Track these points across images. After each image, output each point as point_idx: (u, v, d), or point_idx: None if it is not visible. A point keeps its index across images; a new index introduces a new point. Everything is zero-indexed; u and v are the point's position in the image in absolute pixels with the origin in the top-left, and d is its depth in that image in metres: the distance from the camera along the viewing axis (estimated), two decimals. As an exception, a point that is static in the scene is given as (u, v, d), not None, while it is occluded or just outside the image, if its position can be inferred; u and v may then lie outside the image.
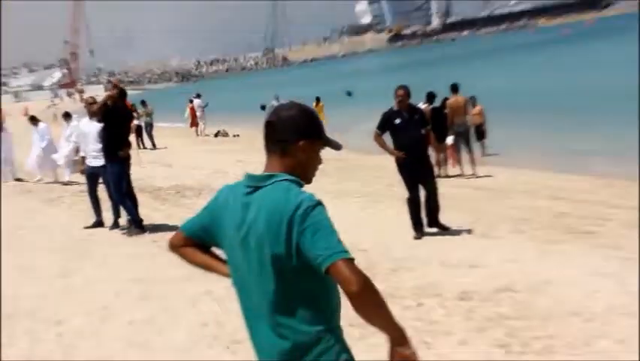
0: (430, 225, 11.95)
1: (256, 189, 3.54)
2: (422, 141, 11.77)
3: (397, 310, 8.87)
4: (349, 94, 42.41)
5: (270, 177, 3.53)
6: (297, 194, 3.45)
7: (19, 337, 8.90)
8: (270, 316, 3.55)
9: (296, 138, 3.58)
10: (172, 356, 7.84)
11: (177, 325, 8.89)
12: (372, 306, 3.29)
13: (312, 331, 3.48)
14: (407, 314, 8.64)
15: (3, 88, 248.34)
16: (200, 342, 8.22)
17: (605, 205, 14.80)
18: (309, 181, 3.70)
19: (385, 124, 11.80)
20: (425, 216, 11.98)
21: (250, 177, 3.63)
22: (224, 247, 3.77)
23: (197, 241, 3.95)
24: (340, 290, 3.35)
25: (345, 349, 3.59)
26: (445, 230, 12.07)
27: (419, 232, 11.89)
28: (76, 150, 22.02)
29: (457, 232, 12.64)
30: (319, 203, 3.44)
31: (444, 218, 12.23)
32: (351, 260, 3.26)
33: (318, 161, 3.77)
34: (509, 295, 9.17)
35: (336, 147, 3.77)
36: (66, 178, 22.80)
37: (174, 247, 4.08)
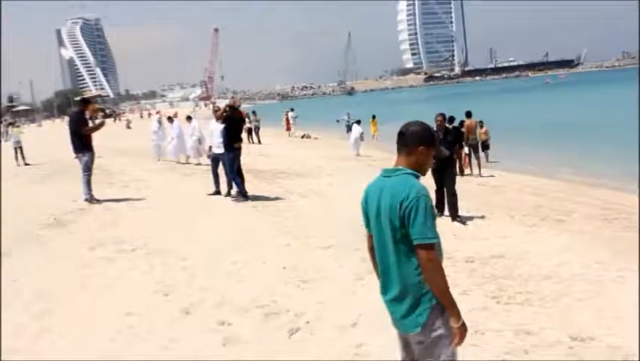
0: (453, 219, 11.67)
1: (388, 177, 3.75)
2: (451, 155, 11.65)
3: (420, 267, 8.77)
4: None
5: (398, 170, 3.74)
6: (413, 184, 3.63)
7: (157, 267, 8.87)
8: (392, 265, 3.72)
9: (417, 144, 3.78)
10: (260, 290, 7.67)
11: (265, 266, 8.76)
12: (432, 282, 3.59)
13: (417, 274, 3.64)
14: (426, 270, 8.44)
15: (162, 99, 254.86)
16: (280, 280, 8.08)
17: (570, 202, 14.59)
18: (423, 174, 3.82)
19: None
20: (448, 211, 11.86)
21: (385, 169, 3.83)
22: (370, 220, 3.90)
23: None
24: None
25: None
26: (462, 223, 11.65)
27: (441, 212, 11.79)
28: (199, 142, 22.50)
29: (466, 215, 12.36)
30: (425, 195, 3.60)
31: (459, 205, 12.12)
32: (429, 245, 3.54)
33: (430, 161, 3.89)
34: (501, 261, 8.96)
35: (443, 153, 4.03)
36: (195, 161, 22.91)
37: (370, 249, 4.09)
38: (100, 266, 9.08)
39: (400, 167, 3.76)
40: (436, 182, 11.81)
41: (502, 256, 9.18)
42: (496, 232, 11.14)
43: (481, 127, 22.15)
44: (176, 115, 25.07)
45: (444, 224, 11.24)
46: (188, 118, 25.18)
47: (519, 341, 5.99)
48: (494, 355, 5.71)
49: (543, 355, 5.74)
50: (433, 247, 3.57)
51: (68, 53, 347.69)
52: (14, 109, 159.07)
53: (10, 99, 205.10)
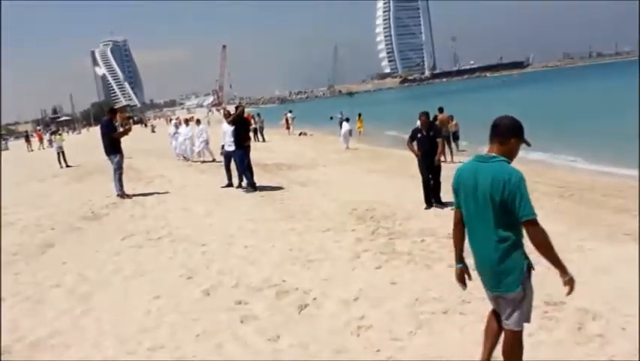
0: (436, 202, 11.16)
1: (484, 162, 3.73)
2: (434, 148, 11.25)
3: (408, 244, 8.40)
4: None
5: (493, 157, 3.71)
6: (512, 170, 3.62)
7: (180, 252, 8.54)
8: (490, 236, 3.68)
9: (509, 136, 3.73)
10: (271, 270, 7.33)
11: (273, 249, 8.39)
12: (542, 248, 3.60)
13: (509, 244, 3.66)
14: (415, 246, 8.16)
15: (181, 106, 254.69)
16: (287, 261, 7.72)
17: (531, 181, 14.00)
18: (511, 162, 3.72)
19: (413, 136, 11.44)
20: (432, 196, 11.24)
21: (479, 155, 3.84)
22: (461, 199, 3.88)
23: (460, 211, 3.96)
24: None
25: (527, 256, 3.77)
26: (443, 206, 11.00)
27: (428, 204, 11.14)
28: (207, 142, 22.48)
29: (443, 194, 11.95)
30: (523, 178, 3.57)
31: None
32: (535, 220, 3.55)
33: (518, 152, 3.81)
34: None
35: (529, 144, 3.81)
36: (209, 159, 22.52)
37: (456, 223, 4.04)
38: (130, 253, 8.79)
39: (494, 155, 3.73)
40: (423, 174, 11.32)
41: None
42: None
43: (452, 120, 21.79)
44: (192, 119, 24.77)
45: (423, 204, 10.98)
46: (197, 121, 24.89)
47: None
48: (481, 322, 5.38)
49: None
50: (537, 221, 3.56)
51: (101, 70, 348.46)
52: (58, 119, 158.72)
53: (54, 111, 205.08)
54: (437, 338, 5.16)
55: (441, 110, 21.54)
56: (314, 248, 8.27)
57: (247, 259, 7.94)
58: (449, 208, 11.05)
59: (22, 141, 71.39)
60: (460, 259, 4.10)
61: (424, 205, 11.11)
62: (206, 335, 5.46)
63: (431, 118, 20.53)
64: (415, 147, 11.46)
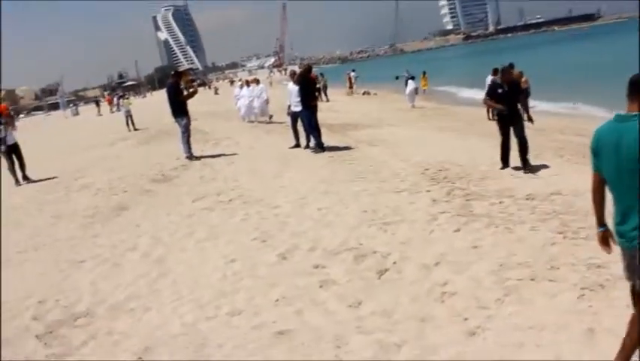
0: (525, 167, 10.14)
1: (624, 122, 3.38)
2: (515, 105, 10.23)
3: (486, 205, 7.99)
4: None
5: (634, 115, 3.33)
6: None
7: (252, 215, 8.41)
8: (633, 197, 3.36)
9: None
10: (346, 233, 7.09)
11: (347, 211, 8.14)
12: None
13: None
14: (494, 208, 7.72)
15: (242, 68, 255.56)
16: (363, 223, 7.46)
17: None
18: None
19: (492, 92, 10.43)
20: (521, 159, 10.23)
21: (618, 115, 3.47)
22: (602, 160, 3.54)
23: (600, 174, 3.62)
24: None
25: None
26: (532, 171, 10.05)
27: (505, 164, 10.31)
28: (267, 102, 22.50)
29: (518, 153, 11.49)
30: None
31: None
32: None
33: None
34: (559, 197, 8.01)
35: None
36: (267, 118, 22.44)
37: (596, 186, 3.69)
38: (202, 216, 8.74)
39: (635, 113, 3.35)
40: (502, 132, 10.39)
41: (559, 193, 8.21)
42: (549, 170, 10.07)
43: (522, 76, 20.85)
44: (254, 81, 24.60)
45: (500, 165, 10.41)
46: (257, 81, 24.69)
47: (594, 275, 5.25)
48: (572, 290, 5.02)
49: (618, 287, 5.02)
50: None
51: (163, 35, 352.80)
52: (124, 84, 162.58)
53: (120, 76, 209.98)
54: (527, 306, 4.82)
55: (511, 65, 20.45)
56: (389, 210, 7.97)
57: (321, 222, 7.72)
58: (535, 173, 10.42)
59: (91, 105, 73.75)
60: (601, 222, 3.78)
61: (500, 165, 10.39)
62: (285, 300, 5.31)
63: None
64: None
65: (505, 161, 10.43)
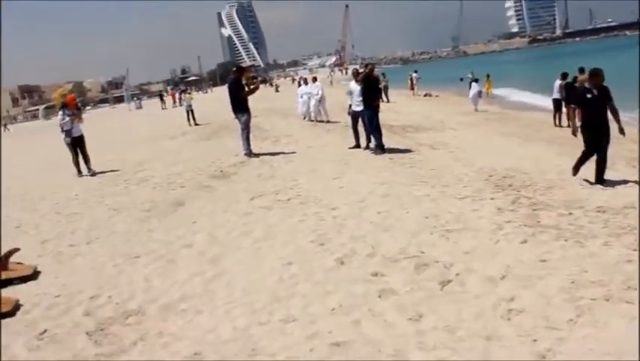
0: (599, 182, 9.21)
1: None
2: (605, 114, 9.10)
3: (554, 216, 7.54)
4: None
5: None
6: None
7: (310, 216, 8.23)
8: None
9: None
10: (407, 240, 6.81)
11: (408, 216, 7.85)
12: None
13: None
14: (562, 220, 7.29)
15: (303, 66, 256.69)
16: (424, 230, 7.16)
17: None
18: None
19: (580, 98, 9.36)
20: (596, 175, 9.27)
21: None
22: None
23: None
24: None
25: None
26: (605, 186, 9.14)
27: (575, 172, 9.47)
28: (321, 100, 22.08)
29: (587, 163, 10.93)
30: None
31: (575, 155, 10.44)
32: None
33: None
34: (634, 211, 7.46)
35: None
36: (324, 118, 22.07)
37: None
38: (260, 214, 8.61)
39: None
40: (588, 143, 9.32)
41: (633, 207, 7.66)
42: (622, 181, 9.40)
43: (592, 81, 20.03)
44: (312, 79, 24.43)
45: (568, 173, 9.84)
46: (314, 79, 24.44)
47: (676, 296, 4.84)
48: (652, 314, 4.63)
49: None
50: None
51: (227, 31, 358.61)
52: (186, 79, 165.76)
53: (183, 71, 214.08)
54: (602, 330, 4.43)
55: (582, 70, 19.59)
56: (451, 217, 7.65)
57: (381, 226, 7.46)
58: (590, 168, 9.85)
59: (154, 100, 75.48)
60: None
61: (569, 173, 9.65)
62: (342, 309, 5.07)
63: (570, 79, 19.27)
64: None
65: (577, 169, 9.63)
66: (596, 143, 9.23)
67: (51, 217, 10.00)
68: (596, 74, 9.23)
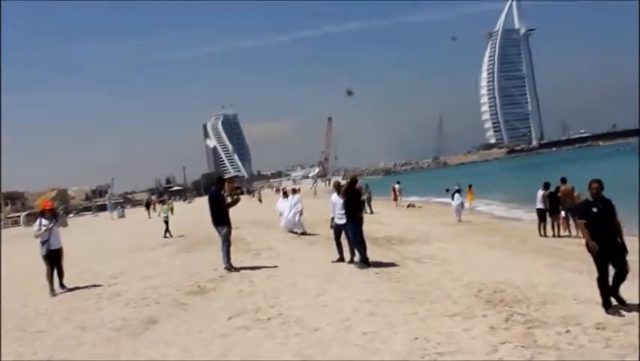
0: (619, 300, 8.28)
1: None
2: (611, 227, 8.33)
3: (551, 335, 7.09)
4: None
5: None
6: None
7: (292, 337, 7.69)
8: None
9: None
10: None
11: (395, 337, 7.36)
12: None
13: None
14: (561, 339, 6.91)
15: (287, 177, 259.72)
16: (414, 353, 6.67)
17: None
18: None
19: (585, 212, 8.48)
20: (612, 292, 8.29)
21: None
22: None
23: None
24: None
25: None
26: (623, 305, 8.24)
27: (608, 307, 8.17)
28: (300, 213, 22.08)
29: (579, 274, 10.60)
30: None
31: (564, 267, 10.11)
32: None
33: None
34: (635, 328, 7.08)
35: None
36: (301, 230, 21.89)
37: None
38: (238, 336, 8.05)
39: None
40: (599, 267, 8.33)
41: (633, 323, 7.31)
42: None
43: (574, 191, 20.09)
44: (296, 191, 24.34)
45: (562, 286, 9.44)
46: (293, 191, 24.36)
47: None
48: None
49: None
50: None
51: (212, 142, 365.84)
52: (171, 189, 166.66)
53: (168, 181, 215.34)
54: None
55: (564, 180, 19.84)
56: (442, 337, 7.17)
57: (367, 349, 6.95)
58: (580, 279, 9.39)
59: (139, 208, 75.29)
60: None
61: (602, 308, 8.22)
62: None
63: (552, 189, 19.35)
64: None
65: (607, 302, 8.28)
66: (608, 265, 8.37)
67: (14, 335, 9.35)
68: (597, 185, 8.59)
